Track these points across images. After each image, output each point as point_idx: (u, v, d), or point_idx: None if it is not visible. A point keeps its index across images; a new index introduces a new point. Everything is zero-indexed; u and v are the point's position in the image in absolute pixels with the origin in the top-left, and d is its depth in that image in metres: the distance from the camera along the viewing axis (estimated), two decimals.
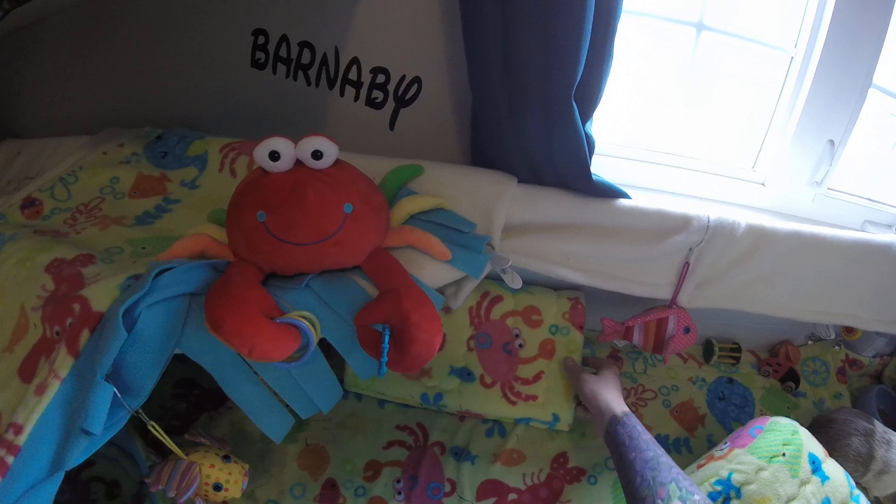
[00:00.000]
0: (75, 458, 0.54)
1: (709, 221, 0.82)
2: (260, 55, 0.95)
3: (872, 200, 1.31)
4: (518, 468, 0.90)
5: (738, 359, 1.13)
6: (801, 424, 0.95)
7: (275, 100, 0.98)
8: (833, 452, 0.97)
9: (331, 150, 0.66)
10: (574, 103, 0.68)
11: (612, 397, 0.82)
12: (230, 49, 0.95)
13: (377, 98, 0.93)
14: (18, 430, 0.54)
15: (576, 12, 0.62)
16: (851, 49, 1.00)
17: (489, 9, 0.67)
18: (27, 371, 0.60)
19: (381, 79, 0.91)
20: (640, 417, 1.00)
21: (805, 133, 1.11)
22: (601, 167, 1.08)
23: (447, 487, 0.85)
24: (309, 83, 0.95)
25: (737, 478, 0.78)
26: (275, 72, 0.96)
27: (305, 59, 0.93)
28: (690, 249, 0.84)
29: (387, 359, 0.63)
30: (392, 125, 0.95)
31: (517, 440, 0.93)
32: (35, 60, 1.07)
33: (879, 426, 1.04)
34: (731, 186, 1.17)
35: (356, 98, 0.94)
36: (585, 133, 0.74)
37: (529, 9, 0.64)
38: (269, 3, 0.90)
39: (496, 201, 0.78)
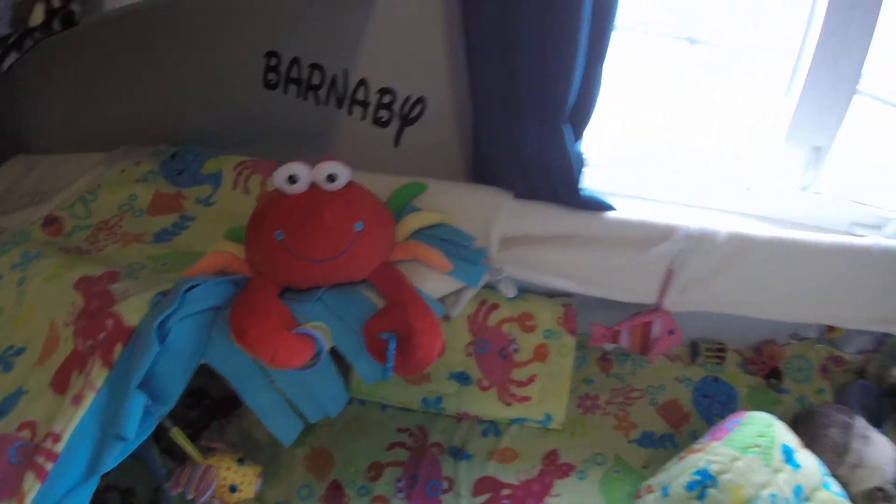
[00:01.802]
0: (110, 462, 0.60)
1: (689, 231, 0.88)
2: (272, 76, 1.00)
3: (859, 203, 1.39)
4: (511, 465, 0.96)
5: (723, 358, 1.19)
6: (785, 419, 1.03)
7: (286, 118, 1.03)
8: (812, 442, 1.04)
9: (344, 174, 0.71)
10: (567, 127, 0.74)
11: None
12: (243, 70, 1.00)
13: (383, 117, 0.99)
14: (56, 438, 0.59)
15: (569, 41, 0.68)
16: (838, 59, 1.06)
17: (491, 34, 0.73)
18: (60, 383, 0.65)
19: (387, 99, 0.97)
20: (626, 416, 1.07)
21: (793, 140, 1.17)
22: (594, 176, 1.14)
23: (445, 485, 0.91)
24: (318, 103, 1.00)
25: (713, 468, 0.84)
26: (286, 92, 1.01)
27: (316, 80, 0.98)
28: (674, 257, 0.90)
29: (392, 364, 0.69)
30: (397, 142, 1.00)
31: (511, 439, 0.99)
32: (48, 77, 1.11)
33: (860, 422, 1.11)
34: (717, 193, 1.24)
35: (363, 117, 0.99)
36: (576, 151, 0.80)
37: (527, 37, 0.70)
38: (281, 27, 0.95)
39: (493, 216, 0.84)
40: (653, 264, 0.91)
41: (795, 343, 1.26)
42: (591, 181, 0.90)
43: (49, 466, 0.58)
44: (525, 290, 1.02)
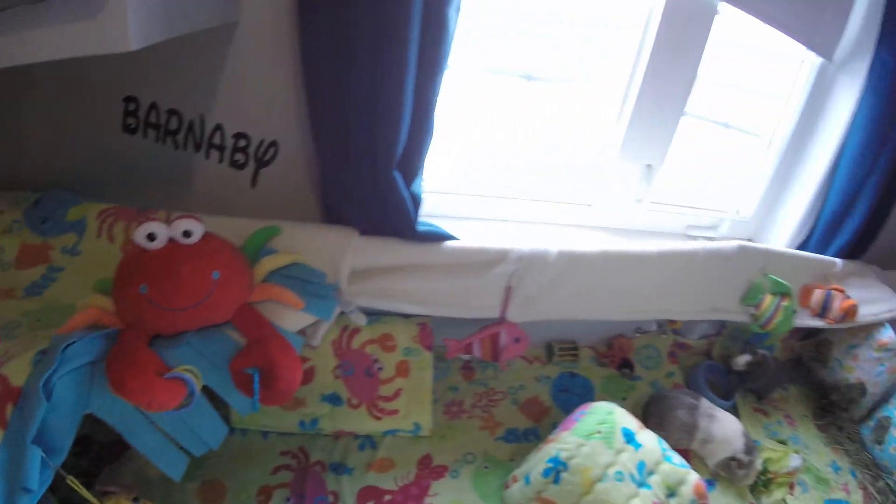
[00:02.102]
0: None
1: (520, 253, 1.21)
2: (131, 121, 1.22)
3: (693, 208, 1.84)
4: (389, 473, 1.25)
5: (576, 355, 1.58)
6: (638, 404, 1.44)
7: (146, 162, 1.26)
8: (662, 423, 1.43)
9: (198, 230, 0.97)
10: (397, 173, 1.04)
11: None
12: (102, 114, 1.21)
13: (239, 160, 1.24)
14: None
15: (395, 97, 0.96)
16: (664, 87, 1.45)
17: (328, 85, 0.99)
18: None
19: (242, 143, 1.22)
20: (490, 417, 1.41)
21: (625, 161, 1.56)
22: (447, 204, 1.47)
23: (331, 499, 1.19)
24: (177, 147, 1.24)
25: (563, 455, 1.16)
26: (145, 136, 1.23)
27: (173, 125, 1.22)
28: (510, 276, 1.23)
29: (258, 396, 0.97)
30: (254, 183, 1.26)
31: (386, 450, 1.29)
32: None
33: (705, 403, 1.50)
34: (563, 210, 1.61)
35: (220, 160, 1.24)
36: (411, 192, 1.11)
37: (358, 90, 0.98)
38: (139, 73, 1.16)
39: (341, 253, 1.13)
40: (492, 284, 1.23)
41: (640, 336, 1.67)
42: (441, 207, 1.21)
43: None
44: (383, 314, 1.32)
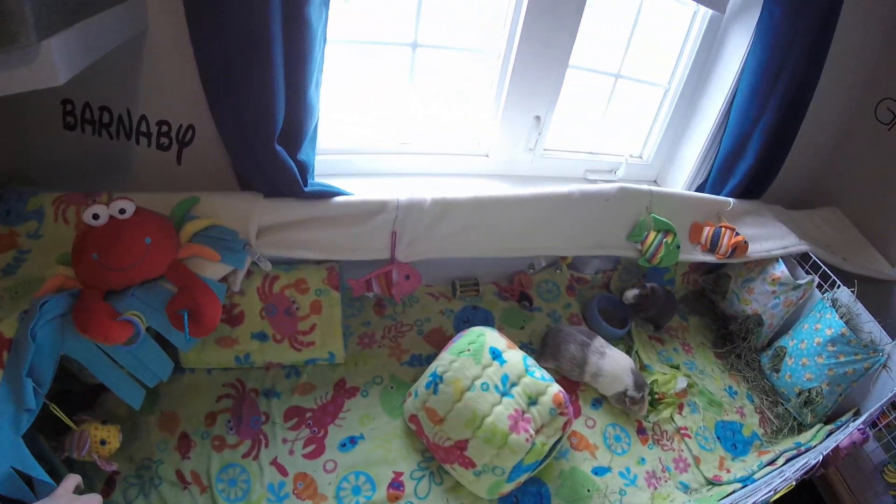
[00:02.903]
0: (25, 426, 1.33)
1: (398, 202, 1.72)
2: (70, 119, 1.71)
3: (588, 153, 2.34)
4: (311, 395, 1.82)
5: (477, 290, 2.11)
6: (536, 333, 1.95)
7: (87, 153, 1.76)
8: (555, 354, 1.91)
9: (130, 207, 1.48)
10: (279, 147, 1.54)
11: None
12: (45, 116, 1.69)
13: (164, 143, 1.75)
14: None
15: (266, 90, 1.43)
16: (544, 42, 1.89)
17: (214, 72, 1.44)
18: None
19: (164, 129, 1.73)
20: (398, 346, 1.94)
21: (512, 113, 2.05)
22: (351, 163, 1.99)
23: (263, 419, 1.74)
24: (112, 137, 1.73)
25: (439, 370, 1.68)
26: (83, 131, 1.72)
27: (105, 119, 1.71)
28: (393, 222, 1.75)
29: (188, 330, 1.51)
30: (179, 161, 1.78)
31: (308, 376, 1.86)
32: None
33: (598, 341, 1.97)
34: (463, 161, 2.12)
35: (149, 145, 1.75)
36: (298, 160, 1.62)
37: (240, 86, 1.43)
38: (72, 78, 1.65)
39: (249, 214, 1.65)
40: (378, 230, 1.75)
41: (534, 272, 2.20)
42: (347, 166, 1.75)
43: None
44: (298, 261, 1.85)
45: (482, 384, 1.62)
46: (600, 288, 2.36)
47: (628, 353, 2.11)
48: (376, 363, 1.93)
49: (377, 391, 1.85)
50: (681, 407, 2.00)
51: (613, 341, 2.09)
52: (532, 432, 1.56)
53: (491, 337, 1.73)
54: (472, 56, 2.00)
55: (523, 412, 1.60)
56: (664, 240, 2.04)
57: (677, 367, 2.11)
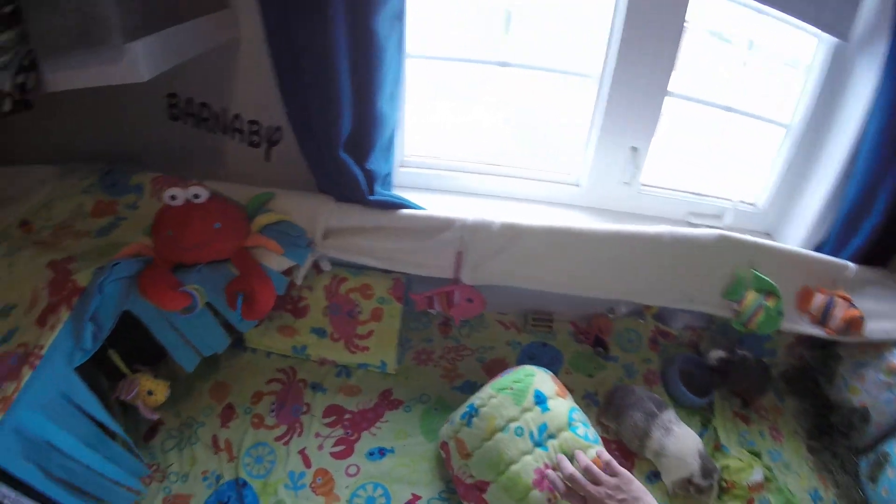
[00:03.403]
0: (78, 361, 1.48)
1: (465, 222, 1.72)
2: (174, 111, 1.91)
3: (691, 193, 2.18)
4: (354, 398, 1.86)
5: (550, 326, 2.05)
6: (606, 384, 1.84)
7: (187, 143, 1.94)
8: (618, 417, 1.75)
9: (203, 193, 1.61)
10: (344, 154, 1.61)
11: None
12: (154, 106, 1.91)
13: (255, 140, 1.89)
14: (41, 348, 1.46)
15: (333, 100, 1.50)
16: (641, 68, 1.82)
17: (289, 79, 1.53)
18: (42, 321, 1.55)
19: (255, 127, 1.87)
20: (454, 369, 1.91)
21: (607, 143, 1.98)
22: (433, 178, 2.02)
23: (304, 409, 1.81)
24: (209, 131, 1.91)
25: (477, 403, 1.60)
26: (185, 122, 1.92)
27: (205, 114, 1.89)
28: (459, 242, 1.75)
29: (241, 312, 1.59)
30: (267, 158, 1.90)
31: (357, 379, 1.90)
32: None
33: (667, 414, 1.68)
34: (552, 189, 2.08)
35: (241, 141, 1.90)
36: (366, 169, 1.67)
37: (306, 94, 1.52)
38: (177, 74, 1.73)
39: (318, 215, 1.73)
40: (443, 247, 1.75)
41: (615, 317, 2.06)
42: (428, 181, 1.83)
43: (36, 363, 1.42)
44: (365, 268, 1.90)
45: (517, 428, 1.49)
46: (687, 346, 2.12)
47: (705, 426, 1.87)
48: (427, 381, 1.93)
49: (420, 409, 1.85)
50: (750, 502, 1.68)
51: (689, 411, 1.88)
52: (558, 494, 1.41)
53: (540, 379, 1.60)
54: (564, 79, 1.97)
55: (554, 469, 1.46)
56: (765, 302, 1.75)
57: (758, 455, 1.80)
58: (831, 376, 2.01)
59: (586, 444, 1.46)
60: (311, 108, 1.55)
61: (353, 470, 1.66)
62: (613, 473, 1.34)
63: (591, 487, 1.31)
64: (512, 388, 1.55)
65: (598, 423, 1.79)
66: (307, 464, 1.67)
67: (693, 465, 1.59)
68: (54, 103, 1.80)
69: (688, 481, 1.59)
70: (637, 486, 1.31)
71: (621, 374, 1.99)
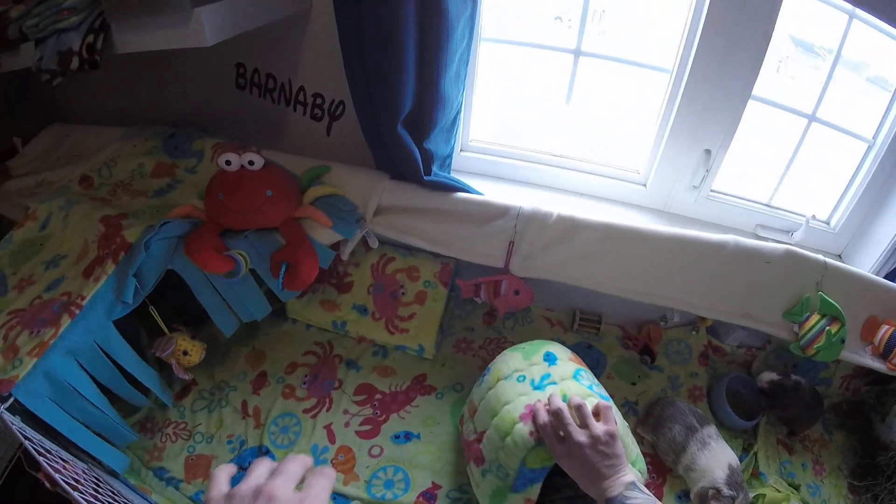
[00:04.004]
0: (117, 314, 1.51)
1: (520, 210, 1.67)
2: (241, 80, 1.93)
3: (761, 204, 2.07)
4: (388, 379, 1.84)
5: (598, 328, 1.98)
6: (648, 393, 1.79)
7: (251, 111, 1.96)
8: (656, 428, 1.67)
9: (258, 160, 1.61)
10: (402, 131, 1.58)
11: (595, 477, 1.18)
12: (221, 75, 1.93)
13: (317, 114, 1.88)
14: (83, 299, 1.49)
15: (395, 74, 1.46)
16: (722, 65, 1.70)
17: (351, 53, 1.50)
18: (88, 272, 1.58)
19: (319, 101, 1.86)
20: (492, 360, 1.86)
21: (678, 143, 1.89)
22: (497, 165, 1.98)
23: (336, 384, 1.80)
24: (274, 102, 1.91)
25: (491, 363, 1.56)
26: (251, 93, 1.93)
27: (270, 85, 1.89)
28: (512, 231, 1.70)
29: (282, 281, 1.58)
30: (328, 133, 1.89)
31: (393, 360, 1.88)
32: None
33: (708, 430, 1.59)
34: (617, 186, 2.01)
35: (304, 113, 1.90)
36: (424, 148, 1.64)
37: (370, 67, 1.49)
38: (245, 44, 1.82)
39: (371, 191, 1.71)
40: (496, 235, 1.70)
41: (668, 326, 1.98)
42: (491, 168, 1.79)
43: (77, 312, 1.45)
44: (415, 249, 1.86)
45: (520, 376, 1.44)
46: (739, 366, 2.00)
47: (746, 451, 1.76)
48: (463, 371, 1.88)
49: (452, 398, 1.81)
50: None
51: (732, 433, 1.78)
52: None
53: (554, 347, 1.53)
54: (640, 72, 1.87)
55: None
56: (827, 328, 1.62)
57: (797, 489, 1.69)
58: (885, 414, 1.89)
59: (587, 392, 1.35)
60: (371, 80, 1.51)
61: (376, 451, 1.64)
62: (605, 423, 1.25)
63: (573, 428, 1.22)
64: (524, 349, 1.52)
65: (635, 434, 1.72)
66: (331, 440, 1.66)
67: (719, 476, 1.51)
68: (127, 66, 1.87)
69: (710, 491, 1.51)
70: (619, 447, 1.22)
71: (665, 385, 1.89)
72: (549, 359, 1.45)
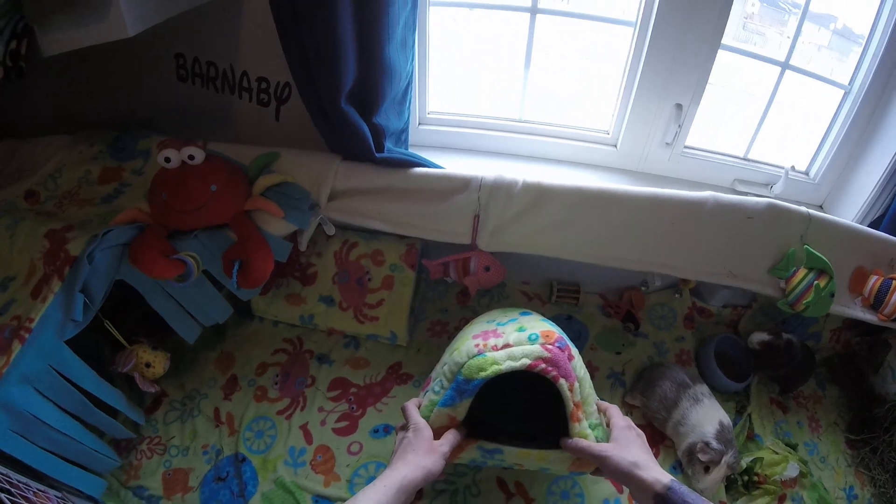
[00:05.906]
0: (69, 334, 1.42)
1: (482, 181, 1.57)
2: (182, 72, 1.82)
3: (745, 160, 1.98)
4: (362, 371, 1.76)
5: (577, 299, 1.89)
6: (635, 362, 1.73)
7: (196, 103, 1.86)
8: (646, 390, 1.62)
9: (199, 154, 1.51)
10: (347, 107, 1.47)
11: (646, 469, 1.08)
12: (162, 68, 1.84)
13: (264, 99, 1.78)
14: (31, 320, 1.41)
15: (330, 39, 1.34)
16: (689, 13, 1.62)
17: (291, 39, 1.41)
18: (36, 293, 1.49)
19: (264, 85, 1.76)
20: None
21: (647, 99, 1.81)
22: (456, 136, 1.87)
23: (309, 381, 1.73)
24: (217, 91, 1.82)
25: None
26: (193, 83, 1.83)
27: (212, 73, 1.79)
28: (476, 204, 1.60)
29: (236, 279, 1.49)
30: (277, 117, 1.79)
31: (366, 351, 1.80)
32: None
33: (699, 388, 1.56)
34: (586, 149, 1.90)
35: (250, 100, 1.80)
36: (375, 123, 1.54)
37: (303, 39, 1.37)
38: (181, 33, 1.73)
39: (323, 175, 1.62)
40: (459, 210, 1.61)
41: (650, 291, 1.90)
42: (452, 139, 1.68)
43: (26, 336, 1.37)
44: (377, 232, 1.77)
45: (487, 320, 1.39)
46: (726, 326, 1.94)
47: (739, 413, 1.71)
48: (440, 355, 1.71)
49: None
50: (782, 498, 1.53)
51: (724, 396, 1.71)
52: (486, 343, 1.22)
53: (529, 314, 1.41)
54: (601, 27, 1.78)
55: (497, 331, 1.29)
56: (815, 282, 1.55)
57: (794, 448, 1.64)
58: (877, 365, 1.87)
59: (550, 328, 1.25)
60: (310, 56, 1.41)
61: (355, 448, 1.57)
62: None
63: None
64: (502, 311, 1.47)
65: (623, 404, 1.68)
66: (308, 440, 1.59)
67: (708, 431, 1.46)
68: (67, 71, 1.81)
69: (698, 444, 1.45)
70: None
71: (652, 352, 1.82)
72: (523, 314, 1.40)
